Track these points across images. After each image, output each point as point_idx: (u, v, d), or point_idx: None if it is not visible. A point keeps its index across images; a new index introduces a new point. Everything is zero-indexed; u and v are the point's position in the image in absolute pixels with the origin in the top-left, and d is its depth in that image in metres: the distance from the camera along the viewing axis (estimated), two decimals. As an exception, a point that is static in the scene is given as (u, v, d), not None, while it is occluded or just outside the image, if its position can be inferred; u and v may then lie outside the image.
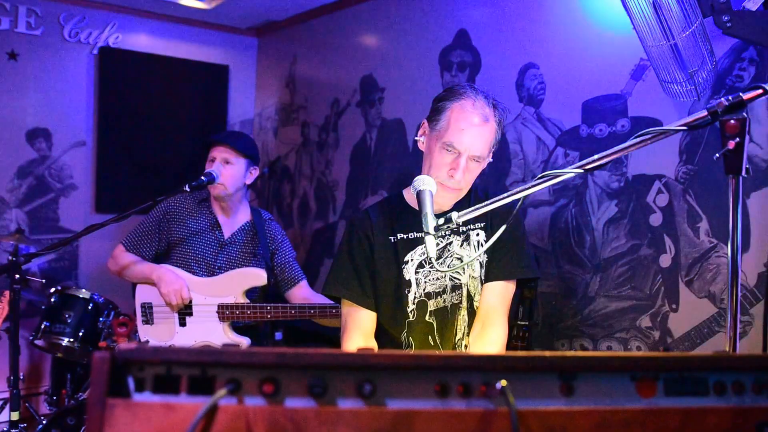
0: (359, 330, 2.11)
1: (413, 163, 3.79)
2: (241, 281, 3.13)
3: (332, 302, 2.73)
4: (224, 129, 5.11)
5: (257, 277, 3.14)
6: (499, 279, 2.12)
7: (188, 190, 3.01)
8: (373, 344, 2.12)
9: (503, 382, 0.96)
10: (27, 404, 3.82)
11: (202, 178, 3.11)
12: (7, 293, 3.38)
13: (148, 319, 3.14)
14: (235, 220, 3.33)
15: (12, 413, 2.96)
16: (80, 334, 3.43)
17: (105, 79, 4.73)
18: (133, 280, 3.27)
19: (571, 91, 3.04)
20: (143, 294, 3.17)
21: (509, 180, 3.28)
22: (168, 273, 3.09)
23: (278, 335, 3.32)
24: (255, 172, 3.32)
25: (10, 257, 3.66)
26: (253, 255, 3.30)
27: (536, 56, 3.20)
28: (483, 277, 2.14)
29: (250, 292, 3.19)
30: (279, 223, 3.67)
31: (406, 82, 3.93)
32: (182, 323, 3.06)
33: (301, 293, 3.30)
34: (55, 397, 3.62)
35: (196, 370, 0.95)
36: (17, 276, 2.67)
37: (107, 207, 4.66)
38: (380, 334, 2.17)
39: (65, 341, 3.40)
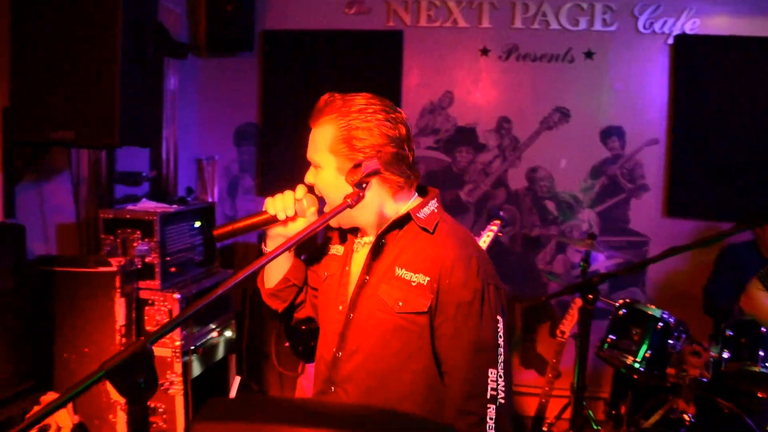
0: None
1: None
2: None
3: None
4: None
5: None
6: None
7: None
8: None
9: None
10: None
11: None
12: (578, 300, 3.95)
13: None
14: None
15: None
16: (647, 354, 3.64)
17: (680, 71, 4.90)
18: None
19: None
20: None
21: None
22: None
23: None
24: None
25: (581, 263, 4.27)
26: None
27: None
28: None
29: None
30: None
31: None
32: None
33: None
34: (613, 411, 4.05)
35: None
36: (590, 296, 2.90)
37: (679, 211, 4.87)
38: None
39: (630, 360, 3.67)
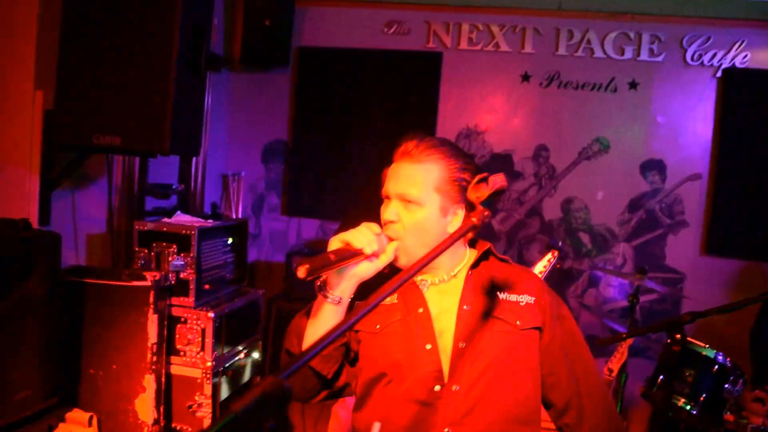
0: None
1: None
2: None
3: None
4: None
5: None
6: None
7: None
8: None
9: None
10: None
11: None
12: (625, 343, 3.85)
13: None
14: None
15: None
16: (701, 398, 3.50)
17: (727, 105, 4.84)
18: None
19: None
20: None
21: None
22: None
23: None
24: None
25: (631, 298, 4.18)
26: None
27: None
28: None
29: None
30: None
31: None
32: None
33: None
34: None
35: None
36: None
37: (718, 249, 4.81)
38: None
39: (682, 402, 3.54)
